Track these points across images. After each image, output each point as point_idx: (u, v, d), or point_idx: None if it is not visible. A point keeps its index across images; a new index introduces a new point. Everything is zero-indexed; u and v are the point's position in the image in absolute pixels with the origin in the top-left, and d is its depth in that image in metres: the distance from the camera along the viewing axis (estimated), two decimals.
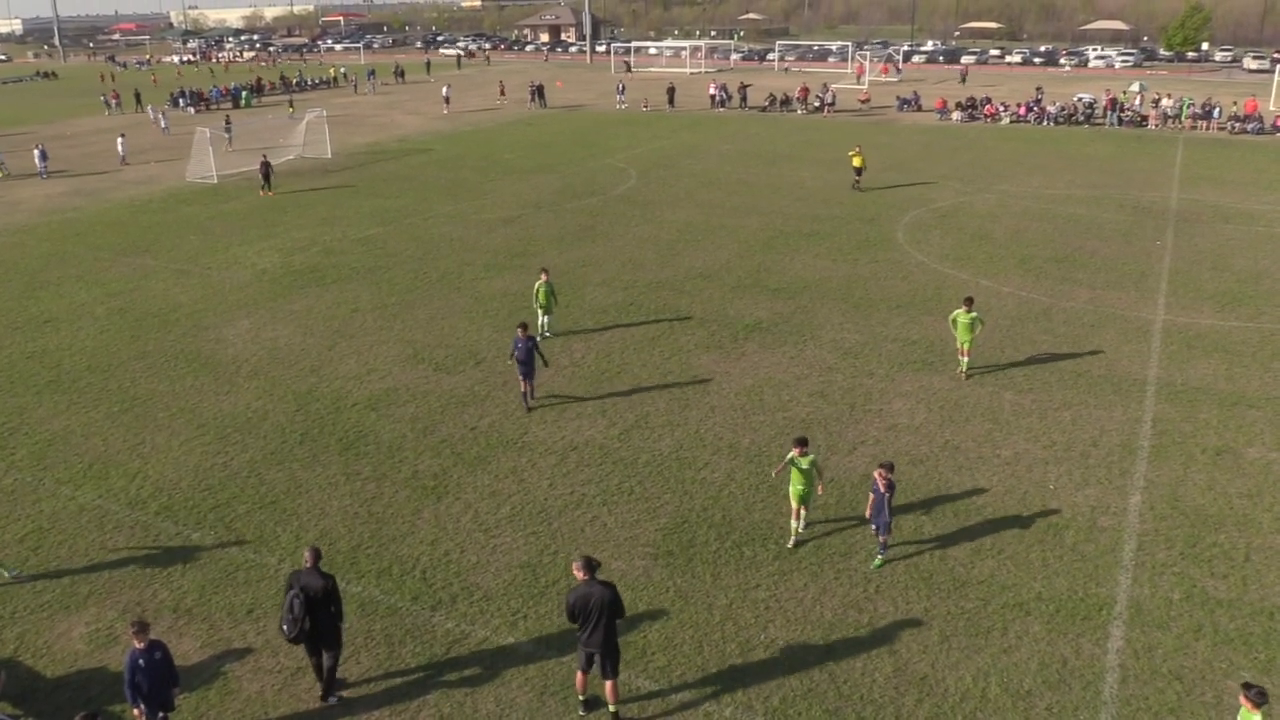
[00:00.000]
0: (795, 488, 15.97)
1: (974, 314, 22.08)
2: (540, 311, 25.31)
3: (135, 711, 11.90)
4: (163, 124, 66.58)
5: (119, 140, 56.62)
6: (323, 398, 22.49)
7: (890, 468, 15.29)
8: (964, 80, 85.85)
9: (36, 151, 51.57)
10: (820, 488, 16.31)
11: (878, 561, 15.70)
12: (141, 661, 11.61)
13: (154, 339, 26.54)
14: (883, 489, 15.13)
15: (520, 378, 21.40)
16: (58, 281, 32.12)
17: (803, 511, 16.21)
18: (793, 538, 16.33)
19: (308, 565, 12.60)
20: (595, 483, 18.50)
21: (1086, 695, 12.89)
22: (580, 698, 12.64)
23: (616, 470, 18.93)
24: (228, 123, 59.76)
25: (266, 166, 45.07)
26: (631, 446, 19.83)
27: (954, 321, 22.37)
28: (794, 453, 15.77)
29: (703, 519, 17.19)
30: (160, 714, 12.14)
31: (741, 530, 16.78)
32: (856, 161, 42.57)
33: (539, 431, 20.41)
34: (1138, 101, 65.12)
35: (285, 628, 12.49)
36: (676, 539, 16.61)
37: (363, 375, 23.72)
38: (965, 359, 22.65)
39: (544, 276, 25.05)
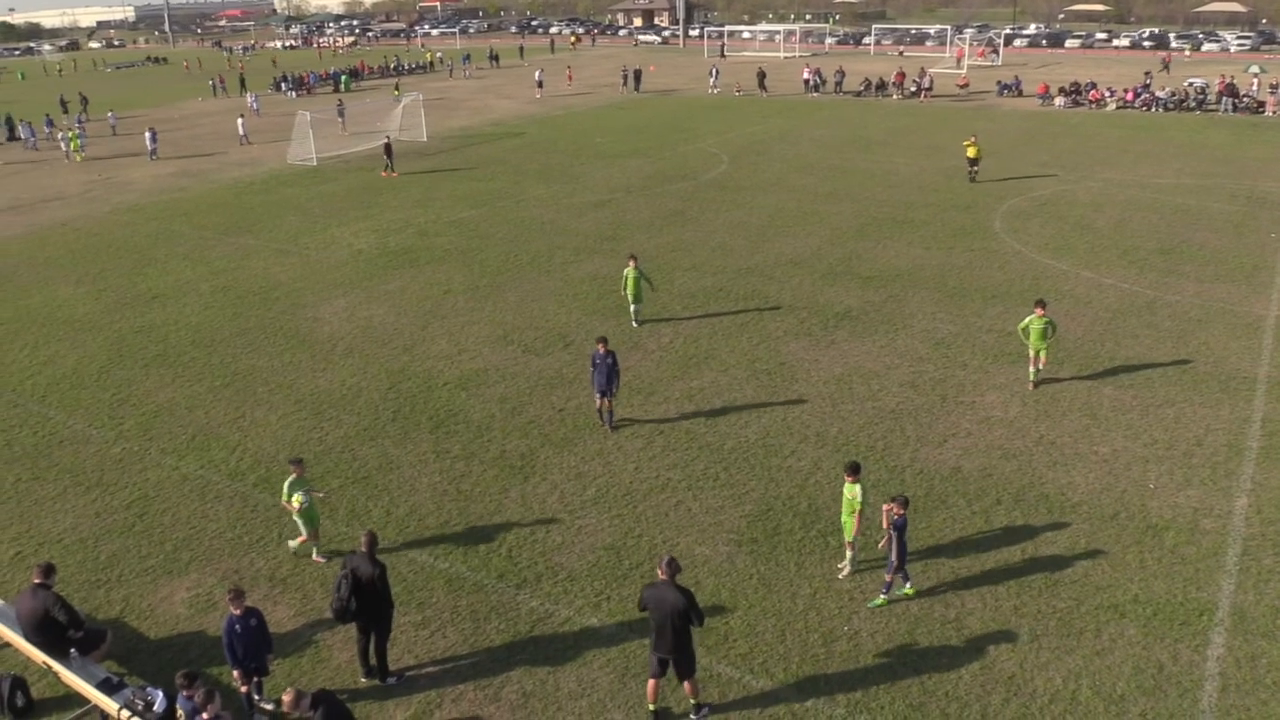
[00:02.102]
0: (844, 518, 14.87)
1: (1047, 319, 20.79)
2: (630, 300, 25.33)
3: (235, 673, 12.38)
4: (254, 106, 68.48)
5: (239, 120, 58.67)
6: (414, 376, 22.92)
7: (905, 503, 14.01)
8: (1167, 68, 77.55)
9: (148, 134, 53.51)
10: (855, 527, 14.65)
11: (880, 600, 14.50)
12: (238, 627, 12.06)
13: (254, 316, 27.36)
14: (885, 525, 14.15)
15: (597, 394, 19.82)
16: (165, 259, 33.32)
17: (850, 550, 15.05)
18: (843, 567, 15.23)
19: (363, 549, 12.90)
20: (681, 467, 18.50)
21: (1183, 703, 12.46)
22: (651, 707, 12.32)
23: (702, 456, 18.90)
24: (340, 105, 61.20)
25: (389, 148, 46.12)
26: (718, 432, 19.78)
27: (1025, 330, 20.96)
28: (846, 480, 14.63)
29: (788, 507, 17.07)
30: (255, 678, 12.59)
31: (827, 519, 16.61)
32: (971, 151, 40.74)
33: (625, 415, 20.46)
34: (1254, 87, 62.29)
35: (333, 606, 12.86)
36: (761, 526, 16.53)
37: (454, 355, 24.10)
38: (1034, 368, 21.25)
39: (632, 264, 25.00)
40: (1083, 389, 21.24)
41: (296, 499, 15.29)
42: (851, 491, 14.54)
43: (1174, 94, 61.57)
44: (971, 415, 20.25)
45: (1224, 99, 59.38)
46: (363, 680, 13.31)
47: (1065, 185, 40.09)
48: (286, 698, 11.13)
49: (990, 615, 14.20)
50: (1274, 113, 58.08)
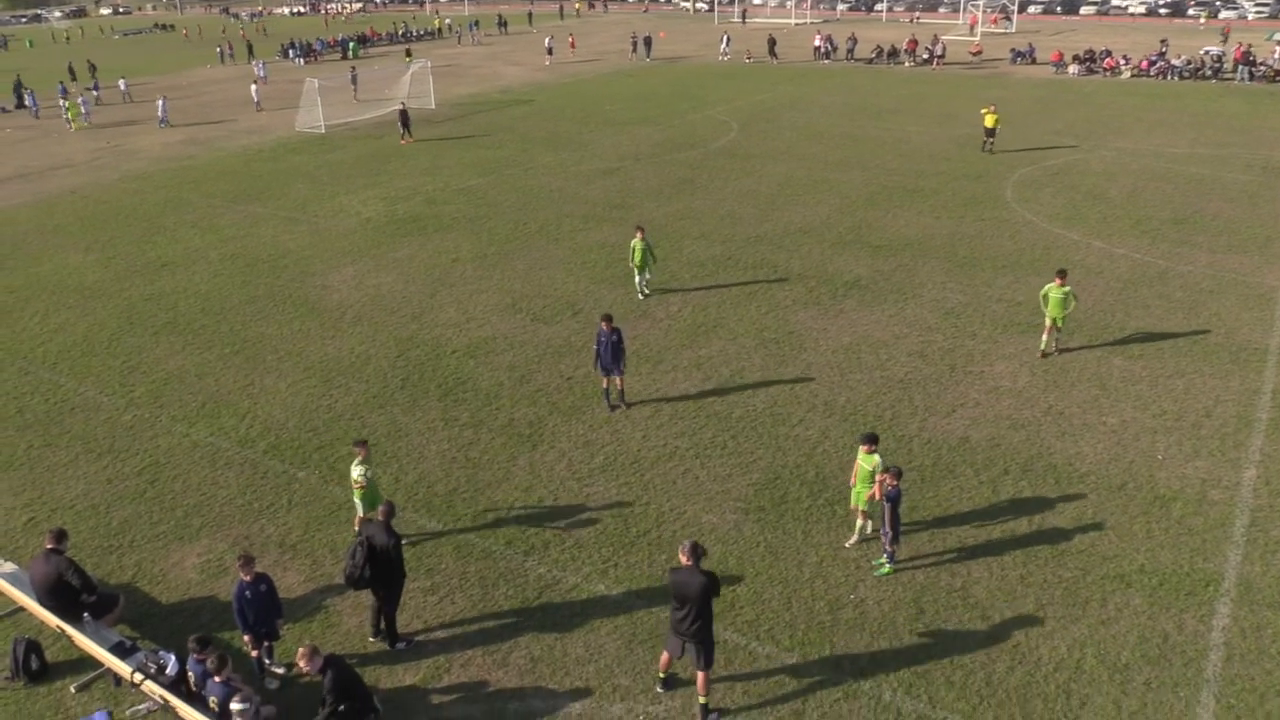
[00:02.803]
0: (855, 485, 14.94)
1: (1067, 289, 20.78)
2: (636, 270, 25.25)
3: (246, 638, 12.52)
4: (262, 74, 68.14)
5: (253, 87, 58.58)
6: (423, 344, 22.96)
7: (898, 474, 14.06)
8: (1225, 39, 75.29)
9: (160, 101, 53.41)
10: (875, 493, 14.51)
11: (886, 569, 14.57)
12: (248, 593, 12.19)
13: (264, 284, 27.40)
14: (878, 495, 14.21)
15: (602, 374, 19.49)
16: (174, 227, 33.33)
17: (861, 519, 15.12)
18: (852, 538, 15.28)
19: (379, 519, 13.00)
20: (688, 436, 18.53)
21: (1188, 672, 12.51)
22: (660, 674, 12.40)
23: (710, 424, 18.93)
24: (354, 72, 60.91)
25: (405, 114, 45.97)
26: (725, 401, 19.79)
27: (1045, 297, 21.07)
28: (860, 449, 14.68)
29: (795, 475, 17.10)
30: (265, 643, 12.72)
31: (834, 488, 16.64)
32: (989, 121, 39.80)
33: (633, 383, 20.47)
34: (1275, 55, 61.50)
35: (346, 571, 12.97)
36: (768, 494, 16.57)
37: (462, 323, 24.12)
38: (1048, 336, 21.28)
39: (639, 235, 24.83)
40: (1092, 359, 21.17)
41: (356, 475, 14.76)
42: (870, 462, 14.53)
43: (1189, 62, 60.86)
44: (980, 385, 20.22)
45: (1240, 67, 58.67)
46: (371, 641, 13.44)
47: (1078, 154, 39.76)
48: (302, 650, 11.29)
49: (996, 584, 14.25)
50: None
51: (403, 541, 13.37)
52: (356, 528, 15.30)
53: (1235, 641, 13.01)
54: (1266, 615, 13.45)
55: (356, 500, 15.05)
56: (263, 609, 12.40)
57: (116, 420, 19.93)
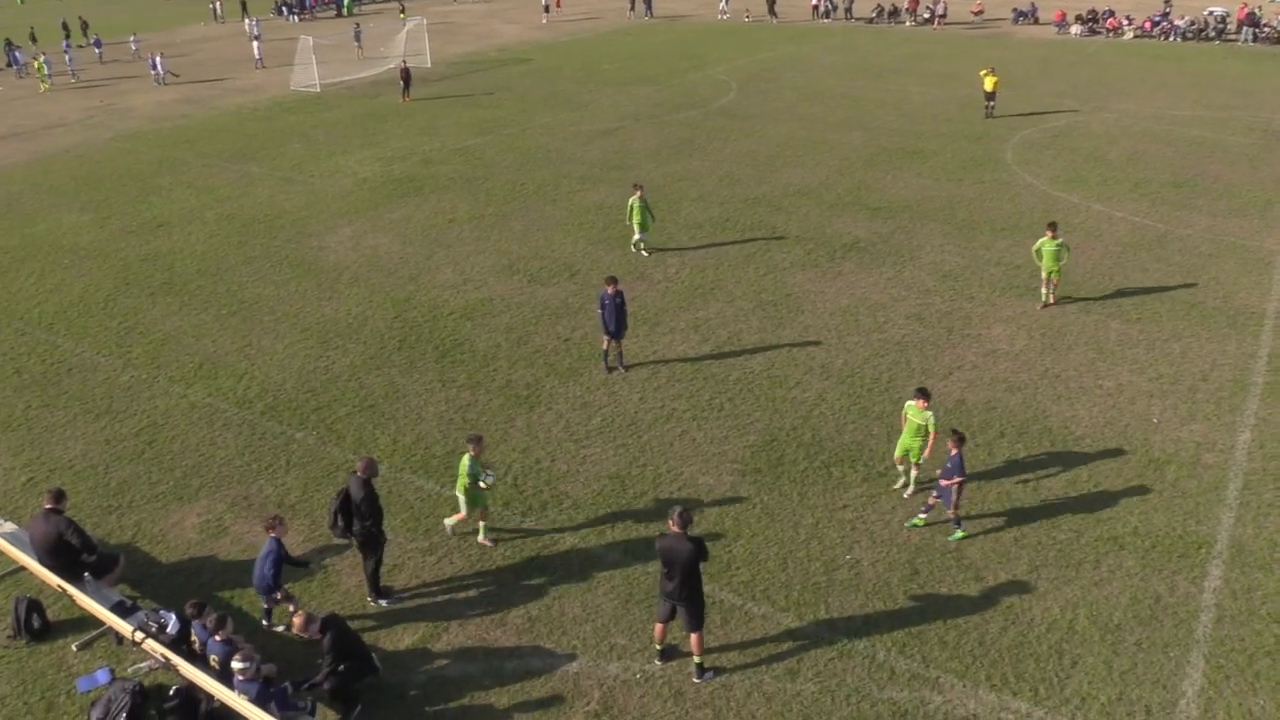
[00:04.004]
0: (902, 436, 15.21)
1: (1060, 240, 21.19)
2: (635, 229, 25.19)
3: (278, 594, 12.88)
4: (256, 31, 67.27)
5: (255, 44, 57.89)
6: (420, 306, 22.92)
7: (960, 439, 14.23)
8: None
9: (158, 59, 52.83)
10: (928, 451, 14.97)
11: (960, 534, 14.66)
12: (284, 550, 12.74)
13: (260, 244, 27.29)
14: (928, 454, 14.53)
15: (605, 336, 19.37)
16: (169, 187, 33.13)
17: (911, 470, 15.40)
18: (900, 481, 15.65)
19: (358, 474, 13.16)
20: (686, 398, 18.57)
21: (1179, 633, 12.65)
22: (657, 646, 12.42)
23: (707, 386, 18.96)
24: (357, 29, 60.19)
25: (407, 73, 45.50)
26: (723, 363, 19.81)
27: (1038, 251, 21.46)
28: (910, 402, 15.06)
29: (792, 438, 17.16)
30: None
31: (831, 450, 16.72)
32: (989, 84, 39.01)
33: (630, 345, 20.46)
34: (1278, 16, 60.89)
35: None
36: (765, 456, 16.64)
37: (459, 285, 24.07)
38: (1046, 289, 21.78)
39: (638, 193, 24.80)
40: (1090, 322, 21.18)
41: (483, 482, 14.16)
42: (922, 416, 14.82)
43: (1193, 23, 60.28)
44: (977, 348, 20.24)
45: (1244, 28, 58.14)
46: (370, 604, 13.55)
47: (1079, 116, 39.51)
48: (297, 620, 11.38)
49: (990, 546, 14.36)
50: None
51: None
52: (450, 526, 14.86)
53: (1226, 603, 13.14)
54: (1258, 577, 13.58)
55: (460, 498, 14.37)
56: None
57: (114, 381, 19.93)
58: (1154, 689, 11.81)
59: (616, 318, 18.91)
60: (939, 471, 14.62)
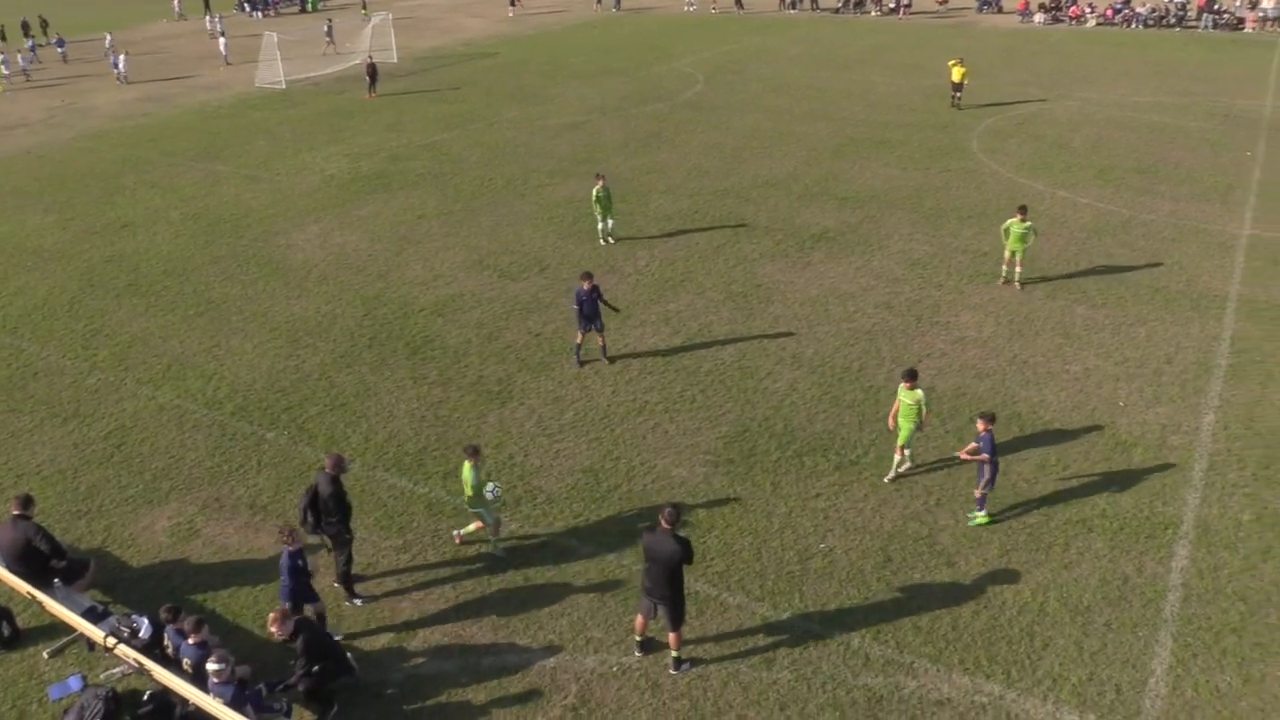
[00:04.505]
0: (898, 421, 15.39)
1: (1029, 224, 21.72)
2: (599, 218, 25.29)
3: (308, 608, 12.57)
4: (219, 28, 66.46)
5: (221, 40, 57.25)
6: (390, 303, 22.81)
7: (991, 419, 14.34)
8: None
9: (123, 57, 52.17)
10: (925, 426, 15.47)
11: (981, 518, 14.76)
12: (300, 562, 12.30)
13: (227, 244, 27.04)
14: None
15: (580, 330, 19.37)
16: (133, 187, 32.74)
17: (905, 451, 15.60)
18: (892, 471, 15.78)
19: (327, 469, 13.15)
20: (658, 390, 18.61)
21: (1147, 613, 12.84)
22: (637, 639, 12.50)
23: (679, 378, 19.01)
24: (329, 24, 59.61)
25: (373, 69, 45.14)
26: (694, 355, 19.86)
27: (1006, 231, 22.07)
28: (901, 386, 15.20)
29: (764, 428, 17.24)
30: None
31: (803, 440, 16.81)
32: (956, 74, 38.78)
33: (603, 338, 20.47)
34: (1238, 2, 61.64)
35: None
36: (737, 447, 16.71)
37: (429, 281, 23.97)
38: (1007, 268, 22.48)
39: (600, 182, 24.97)
40: (1056, 308, 21.41)
41: (487, 491, 13.90)
42: (913, 397, 15.01)
43: (1154, 10, 60.92)
44: (946, 335, 20.40)
45: (1204, 15, 58.82)
46: (345, 604, 13.50)
47: (1043, 104, 39.85)
48: (273, 615, 11.32)
49: (962, 531, 14.50)
50: (1253, 29, 57.66)
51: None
52: (465, 533, 14.54)
53: (1193, 582, 13.35)
54: (1223, 556, 13.80)
55: (471, 508, 14.14)
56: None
57: (81, 384, 19.71)
58: (1124, 668, 11.99)
59: (595, 311, 18.96)
60: (962, 453, 14.76)
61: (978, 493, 14.50)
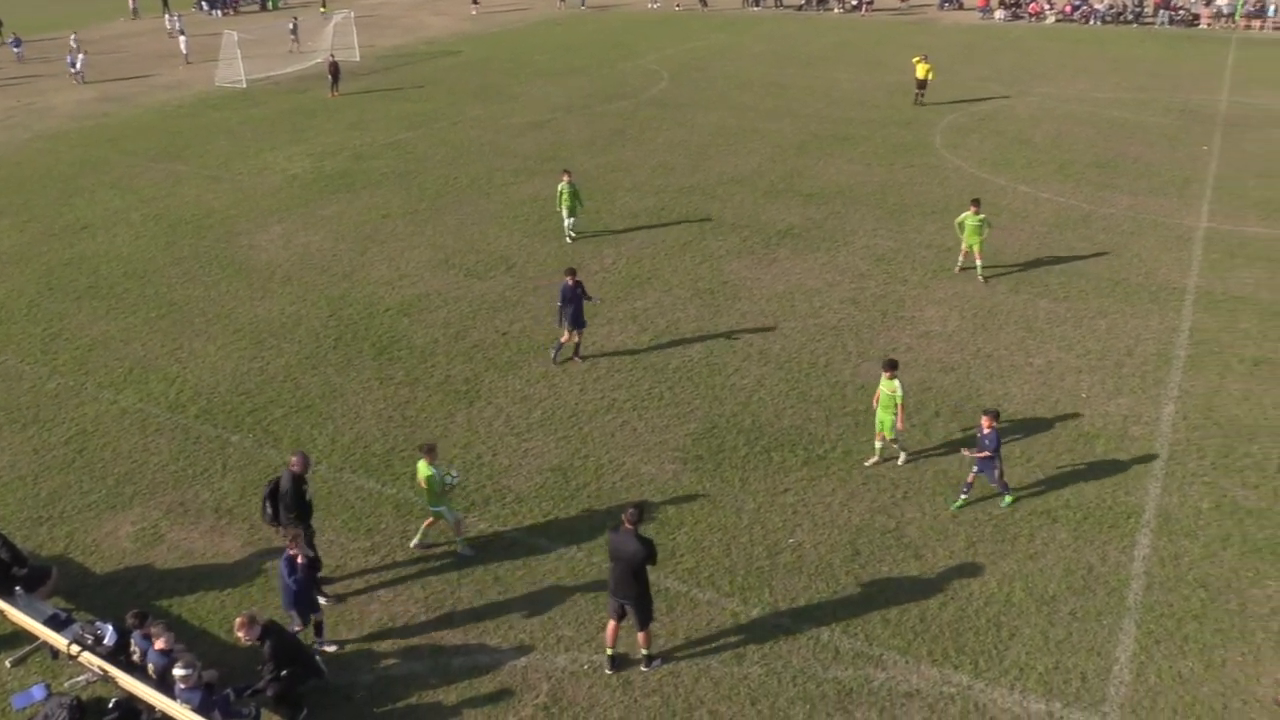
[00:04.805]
0: (878, 411, 15.70)
1: (982, 216, 22.21)
2: (565, 214, 25.34)
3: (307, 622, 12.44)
4: (177, 26, 65.51)
5: (181, 40, 56.61)
6: (355, 303, 22.65)
7: (995, 415, 14.53)
8: None
9: (82, 57, 51.40)
10: (899, 421, 15.47)
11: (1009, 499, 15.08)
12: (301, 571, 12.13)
13: (188, 245, 26.72)
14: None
15: (565, 329, 19.15)
16: (92, 188, 32.27)
17: (884, 438, 15.81)
18: (872, 459, 16.02)
19: (293, 467, 13.12)
20: (626, 388, 18.62)
21: (1111, 601, 13.02)
22: (609, 652, 12.24)
23: (647, 376, 19.02)
24: (295, 23, 58.98)
25: (335, 67, 44.73)
26: (662, 352, 19.89)
27: (961, 224, 22.53)
28: (882, 375, 15.52)
29: (732, 424, 17.30)
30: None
31: (771, 436, 16.89)
32: (921, 71, 38.88)
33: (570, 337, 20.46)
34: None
35: None
36: (706, 444, 16.75)
37: (394, 281, 23.82)
38: (962, 259, 22.97)
39: (566, 178, 25.10)
40: (1019, 302, 21.65)
41: (448, 477, 13.76)
42: (890, 387, 15.29)
43: (1112, 7, 61.72)
44: (911, 330, 20.57)
45: (1160, 11, 59.68)
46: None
47: (1004, 100, 40.27)
48: (240, 620, 11.20)
49: (929, 524, 14.63)
50: (1208, 25, 58.59)
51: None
52: (460, 546, 14.35)
53: (1155, 570, 13.55)
54: (1184, 544, 14.03)
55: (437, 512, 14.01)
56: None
57: (40, 389, 19.41)
58: (1089, 656, 12.16)
59: (579, 308, 18.87)
60: (966, 450, 14.98)
61: (995, 485, 14.81)
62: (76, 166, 34.80)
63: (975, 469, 14.77)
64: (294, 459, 13.22)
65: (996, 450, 14.41)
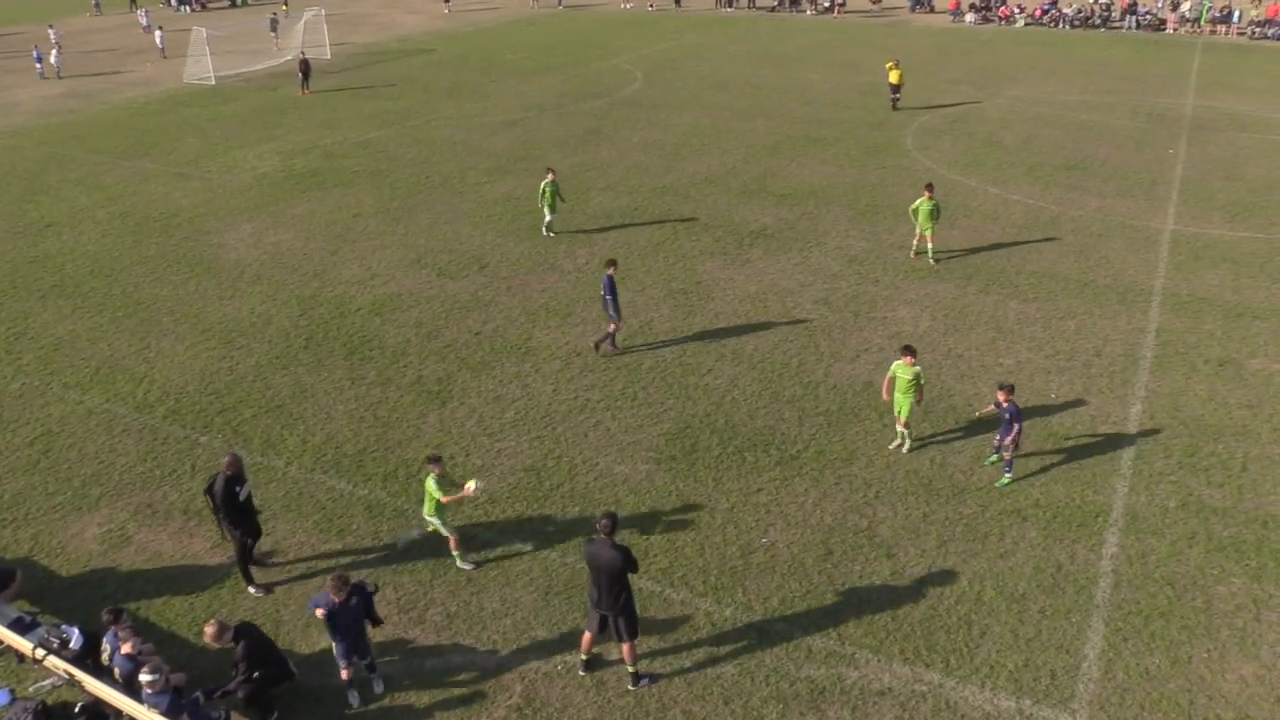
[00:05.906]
0: (896, 397, 16.07)
1: (934, 200, 23.09)
2: (546, 211, 25.50)
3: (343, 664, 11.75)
4: (145, 23, 64.85)
5: (157, 34, 56.06)
6: (326, 303, 22.49)
7: (1010, 389, 15.11)
8: None
9: (54, 52, 50.75)
10: (919, 401, 16.12)
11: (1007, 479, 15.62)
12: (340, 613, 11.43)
13: (156, 243, 26.42)
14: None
15: (615, 320, 19.61)
16: (57, 185, 31.84)
17: (901, 427, 16.24)
18: (895, 441, 16.51)
19: (225, 469, 13.16)
20: (599, 388, 18.60)
21: (1080, 599, 13.15)
22: (583, 657, 12.13)
23: (620, 375, 19.01)
24: (274, 18, 58.41)
25: (306, 65, 44.38)
26: (635, 352, 19.88)
27: (915, 211, 23.43)
28: (898, 361, 15.89)
29: (705, 424, 17.32)
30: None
31: (744, 435, 16.93)
32: (894, 77, 39.07)
33: (543, 337, 20.44)
34: (1159, 4, 63.35)
35: None
36: (679, 444, 16.77)
37: (366, 280, 23.67)
38: (916, 243, 24.04)
39: (550, 176, 25.34)
40: (989, 303, 21.82)
41: (473, 487, 13.40)
42: (911, 371, 15.68)
43: (1080, 11, 62.36)
44: (883, 330, 20.68)
45: (1128, 16, 60.37)
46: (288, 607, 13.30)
47: (975, 102, 40.58)
48: (209, 629, 11.09)
49: (901, 523, 14.72)
50: (1174, 30, 59.33)
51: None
52: (466, 566, 14.01)
53: (1123, 568, 13.70)
54: (1151, 542, 14.19)
55: (433, 519, 13.82)
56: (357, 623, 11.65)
57: (4, 389, 19.12)
58: (1058, 654, 12.27)
59: (615, 298, 19.42)
60: (980, 412, 15.97)
61: (1007, 455, 15.30)
62: (41, 163, 34.33)
63: (998, 438, 15.39)
64: (225, 460, 13.24)
65: (1018, 418, 14.96)
